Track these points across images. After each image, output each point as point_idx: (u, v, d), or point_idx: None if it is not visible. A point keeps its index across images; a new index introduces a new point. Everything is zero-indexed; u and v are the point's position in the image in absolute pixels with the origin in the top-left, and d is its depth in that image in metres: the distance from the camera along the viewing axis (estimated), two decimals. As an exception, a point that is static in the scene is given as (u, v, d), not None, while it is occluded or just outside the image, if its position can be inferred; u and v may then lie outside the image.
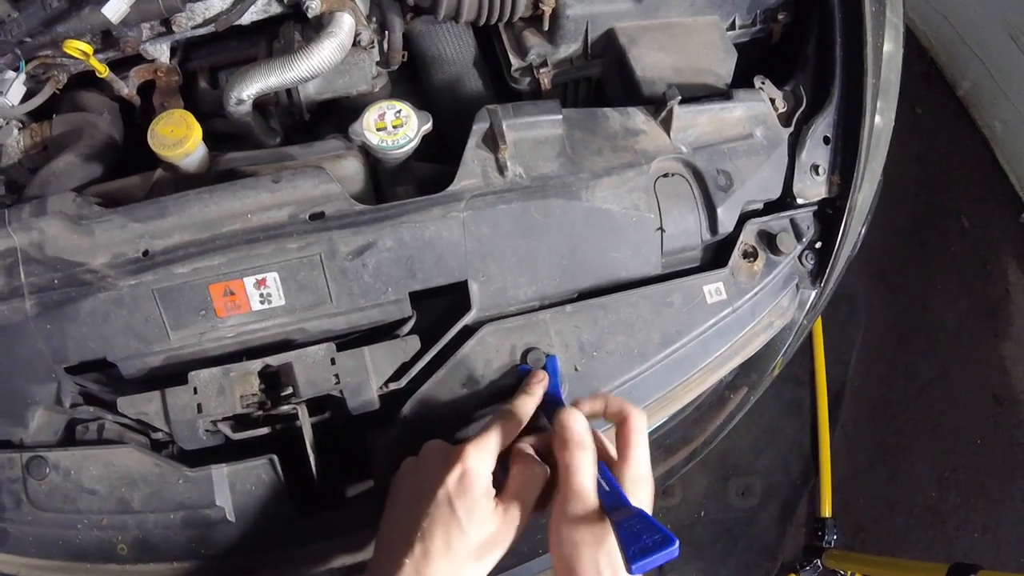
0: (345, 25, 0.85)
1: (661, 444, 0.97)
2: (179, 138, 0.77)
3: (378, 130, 0.77)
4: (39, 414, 0.81)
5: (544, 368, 0.77)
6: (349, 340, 0.79)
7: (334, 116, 0.97)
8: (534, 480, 0.66)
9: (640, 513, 0.61)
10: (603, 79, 0.96)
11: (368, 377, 0.75)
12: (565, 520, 0.62)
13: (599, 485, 0.64)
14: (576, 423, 0.65)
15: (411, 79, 0.98)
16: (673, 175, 0.85)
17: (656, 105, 0.86)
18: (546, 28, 0.92)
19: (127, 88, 0.96)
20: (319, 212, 0.75)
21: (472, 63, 0.95)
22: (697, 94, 0.90)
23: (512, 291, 0.79)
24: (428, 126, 0.78)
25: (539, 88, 0.93)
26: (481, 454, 0.65)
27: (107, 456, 0.79)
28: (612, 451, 0.67)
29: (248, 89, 0.86)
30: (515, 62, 0.93)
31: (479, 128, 0.79)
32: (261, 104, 0.93)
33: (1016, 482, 1.77)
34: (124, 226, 0.76)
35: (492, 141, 0.79)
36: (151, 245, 0.76)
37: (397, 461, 0.76)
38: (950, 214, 1.95)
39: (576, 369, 0.79)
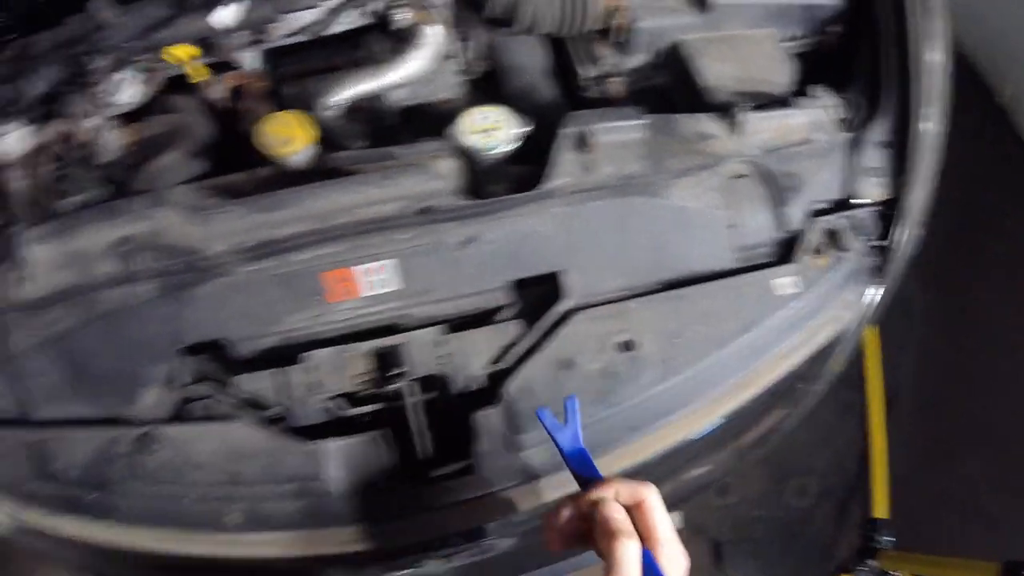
0: (438, 36, 0.99)
1: (732, 429, 1.09)
2: (288, 137, 0.90)
3: (476, 132, 0.90)
4: (151, 393, 0.92)
5: (565, 410, 0.78)
6: (451, 326, 0.91)
7: (416, 121, 1.10)
8: None
9: None
10: (668, 88, 1.10)
11: (473, 359, 0.87)
12: None
13: None
14: (617, 512, 0.67)
15: (487, 88, 1.12)
16: (744, 176, 0.99)
17: (725, 112, 1.00)
18: (617, 40, 1.05)
19: (218, 93, 1.09)
20: (427, 206, 0.88)
21: (545, 72, 1.09)
22: (760, 102, 1.03)
23: (602, 282, 0.91)
24: (523, 129, 0.92)
25: (608, 96, 1.07)
26: None
27: (219, 431, 0.90)
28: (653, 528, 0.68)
29: (343, 93, 0.99)
30: (585, 71, 1.07)
31: (568, 132, 0.92)
32: (348, 109, 1.06)
33: (1071, 485, 1.86)
34: (242, 217, 0.88)
35: (581, 143, 0.92)
36: (268, 235, 0.88)
37: (497, 439, 0.88)
38: (995, 218, 2.08)
39: (663, 361, 0.91)
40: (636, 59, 1.07)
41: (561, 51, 1.12)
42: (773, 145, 1.00)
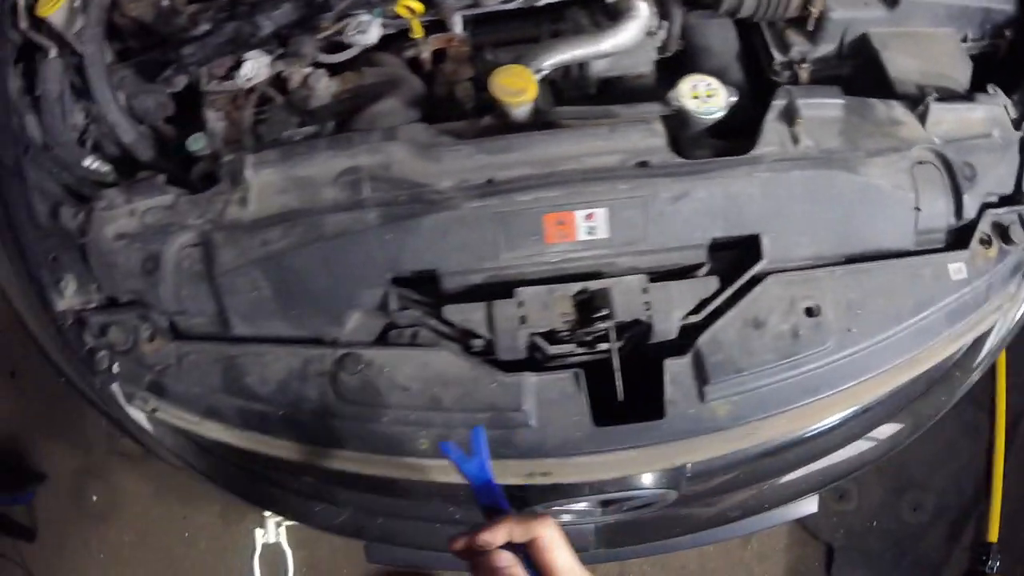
0: (646, 11, 1.06)
1: (895, 406, 1.14)
2: (520, 88, 0.96)
3: (695, 97, 0.96)
4: (356, 316, 0.99)
5: (472, 442, 0.78)
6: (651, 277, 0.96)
7: (609, 92, 1.15)
8: None
9: None
10: (851, 78, 1.15)
11: (674, 308, 0.93)
12: None
13: None
14: (500, 561, 0.68)
15: (673, 67, 1.18)
16: (926, 163, 1.04)
17: (912, 101, 1.06)
18: (810, 28, 1.12)
19: (424, 52, 1.16)
20: (645, 161, 0.94)
21: (735, 56, 1.15)
22: (942, 96, 1.09)
23: (794, 248, 0.96)
24: (734, 99, 0.98)
25: (796, 81, 1.13)
26: None
27: (424, 357, 0.96)
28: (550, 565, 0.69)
29: (554, 58, 1.05)
30: (777, 56, 1.13)
31: (778, 104, 0.98)
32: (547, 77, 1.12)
33: None
34: (472, 156, 0.95)
35: (788, 116, 0.97)
36: (495, 175, 0.94)
37: (687, 388, 0.94)
38: None
39: (849, 330, 0.96)
40: (824, 48, 1.13)
41: (748, 36, 1.18)
42: (954, 136, 1.05)
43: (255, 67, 1.07)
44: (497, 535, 0.69)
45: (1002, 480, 1.95)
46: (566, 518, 1.13)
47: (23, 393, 1.94)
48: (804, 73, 1.12)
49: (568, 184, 0.93)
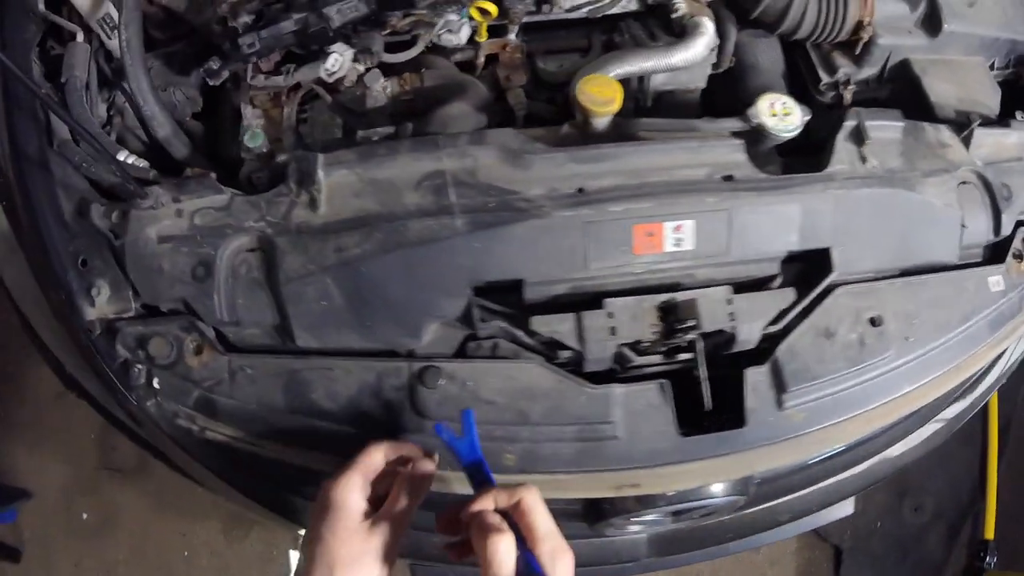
0: (712, 28, 1.09)
1: (938, 408, 1.21)
2: (607, 98, 0.97)
3: (773, 115, 0.99)
4: (433, 327, 0.96)
5: (463, 423, 0.83)
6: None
7: (661, 106, 1.17)
8: (401, 511, 0.76)
9: None
10: (890, 101, 1.22)
11: (756, 319, 0.96)
12: None
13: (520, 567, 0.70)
14: (490, 517, 0.71)
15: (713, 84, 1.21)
16: (969, 183, 1.11)
17: (956, 125, 1.13)
18: (856, 52, 1.17)
19: (480, 57, 1.15)
20: (731, 175, 0.97)
21: (781, 74, 1.20)
22: (977, 121, 1.17)
23: (858, 262, 1.01)
24: (808, 117, 1.02)
25: (840, 102, 1.19)
26: (339, 484, 0.77)
27: (509, 370, 0.94)
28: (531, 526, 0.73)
29: (623, 68, 1.06)
30: (824, 77, 1.19)
31: (848, 124, 1.03)
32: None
33: None
34: (563, 164, 0.95)
35: (857, 136, 1.02)
36: (586, 184, 0.95)
37: (767, 396, 0.96)
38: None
39: (907, 339, 1.01)
40: (867, 71, 1.19)
41: (791, 56, 1.23)
42: (992, 159, 1.13)
43: (340, 61, 1.03)
44: (486, 503, 0.74)
45: (996, 481, 2.10)
46: (633, 528, 1.14)
47: (6, 404, 1.78)
48: (848, 94, 1.18)
49: (658, 195, 0.94)
